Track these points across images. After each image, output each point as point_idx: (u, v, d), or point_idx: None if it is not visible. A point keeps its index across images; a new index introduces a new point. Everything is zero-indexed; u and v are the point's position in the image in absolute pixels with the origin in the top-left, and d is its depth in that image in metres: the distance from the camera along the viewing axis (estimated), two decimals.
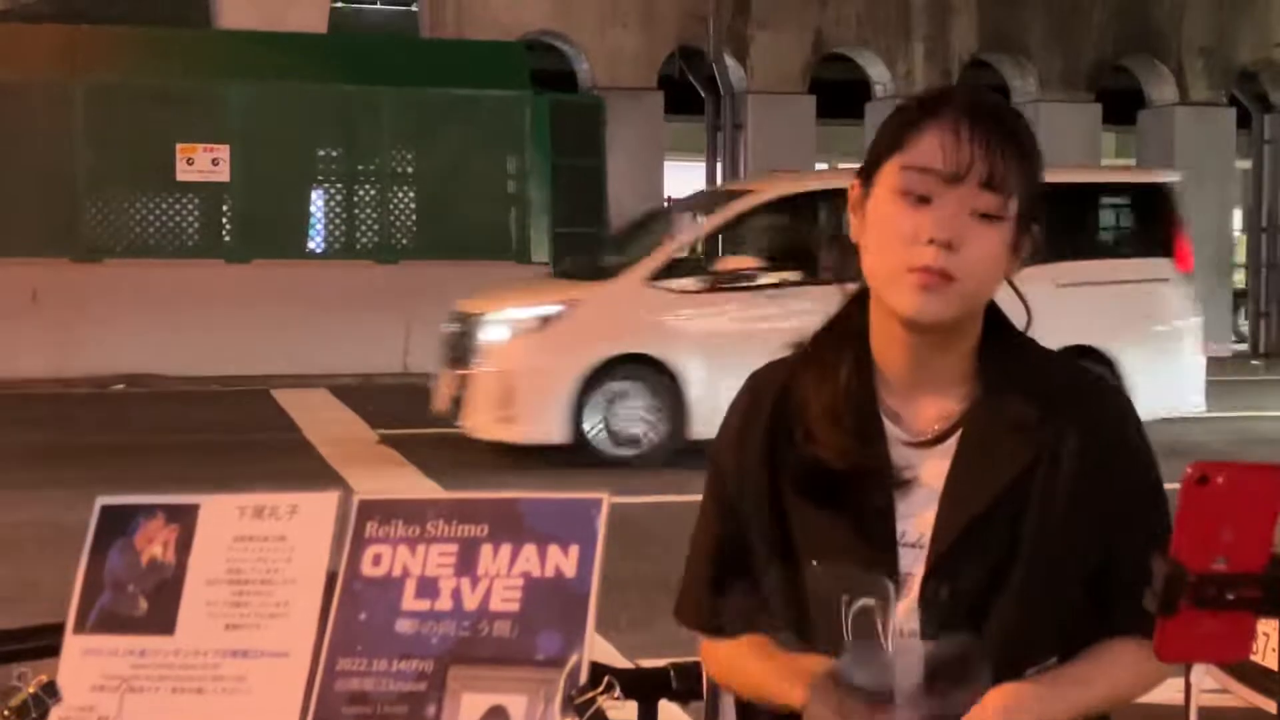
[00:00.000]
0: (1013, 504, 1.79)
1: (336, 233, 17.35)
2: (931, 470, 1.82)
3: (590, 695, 1.63)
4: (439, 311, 16.73)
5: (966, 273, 1.76)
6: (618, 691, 1.65)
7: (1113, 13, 20.64)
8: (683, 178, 21.60)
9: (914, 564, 1.80)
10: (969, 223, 1.77)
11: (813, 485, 1.84)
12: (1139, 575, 1.66)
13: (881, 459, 1.82)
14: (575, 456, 10.49)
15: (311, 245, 17.35)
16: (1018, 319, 1.93)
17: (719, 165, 20.41)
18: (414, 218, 17.43)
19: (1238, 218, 22.83)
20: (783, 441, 1.86)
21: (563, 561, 1.69)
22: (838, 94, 19.86)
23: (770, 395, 1.89)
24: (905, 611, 1.79)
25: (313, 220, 17.43)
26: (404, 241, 17.32)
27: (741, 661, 1.90)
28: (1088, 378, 1.91)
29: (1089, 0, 20.50)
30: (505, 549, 1.71)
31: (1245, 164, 22.90)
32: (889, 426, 1.84)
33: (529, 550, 1.70)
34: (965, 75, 20.49)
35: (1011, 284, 1.88)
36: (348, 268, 16.93)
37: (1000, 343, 1.87)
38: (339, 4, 19.63)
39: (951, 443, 1.83)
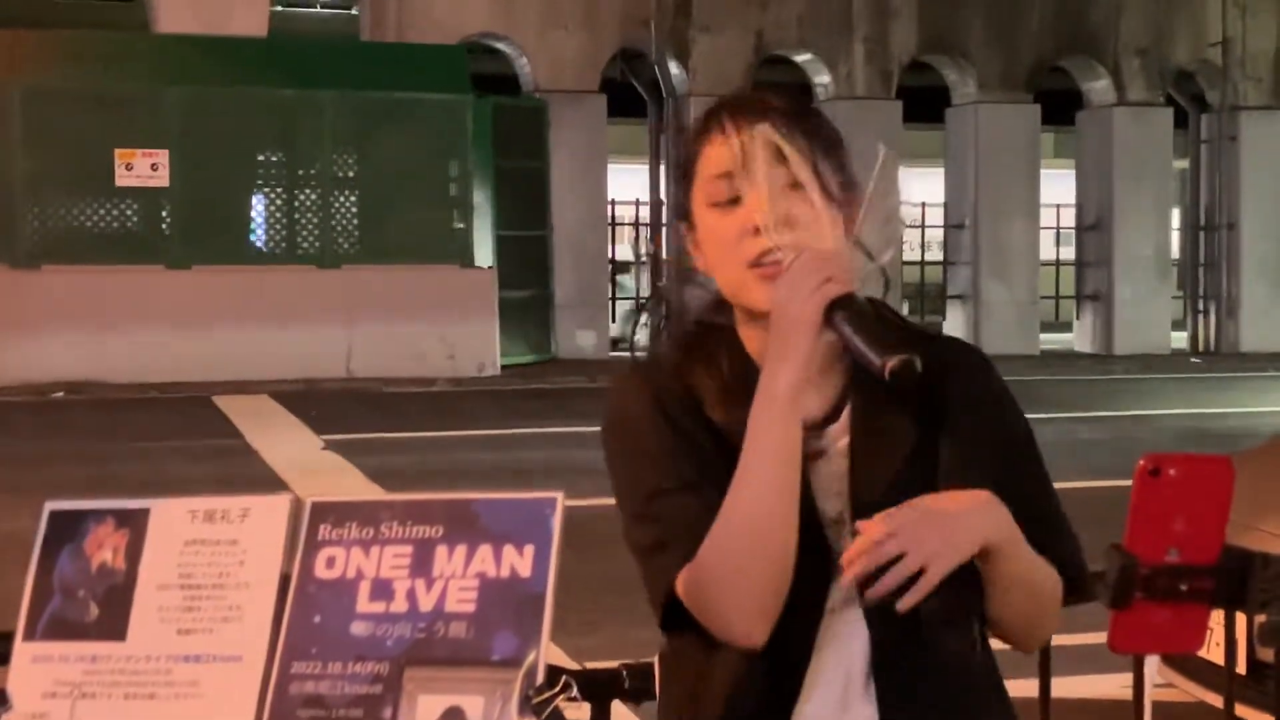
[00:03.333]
0: (916, 467, 1.85)
1: (278, 237, 17.25)
2: (830, 449, 1.88)
3: (547, 695, 1.63)
4: (382, 316, 16.73)
5: (796, 246, 1.80)
6: (575, 691, 1.64)
7: (1051, 14, 20.80)
8: (626, 181, 21.63)
9: (837, 540, 1.84)
10: (781, 200, 1.82)
11: (730, 474, 1.83)
12: (1035, 515, 1.82)
13: None
14: None
15: (253, 250, 17.23)
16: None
17: (662, 168, 20.43)
18: (356, 222, 17.35)
19: (1175, 217, 23.07)
20: (703, 439, 1.88)
21: (518, 561, 1.68)
22: None
23: (667, 392, 1.91)
24: (842, 586, 1.82)
25: (254, 225, 17.32)
26: (346, 246, 17.24)
27: (708, 544, 1.79)
28: (954, 341, 2.00)
29: (1028, 2, 20.66)
30: (460, 550, 1.70)
31: (1182, 164, 23.15)
32: None
33: (484, 551, 1.69)
34: (905, 77, 20.60)
35: (861, 246, 1.89)
36: (289, 273, 16.83)
37: None
38: (278, 7, 19.51)
39: (842, 421, 1.88)
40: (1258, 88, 21.61)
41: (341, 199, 17.33)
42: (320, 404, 14.46)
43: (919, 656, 1.82)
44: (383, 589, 1.70)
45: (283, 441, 12.14)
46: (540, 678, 1.62)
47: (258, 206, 17.35)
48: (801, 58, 20.40)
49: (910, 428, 1.86)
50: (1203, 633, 1.49)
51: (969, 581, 1.81)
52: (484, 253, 17.57)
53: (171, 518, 1.79)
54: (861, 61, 20.27)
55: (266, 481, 9.97)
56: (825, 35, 20.12)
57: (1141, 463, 1.45)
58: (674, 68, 19.72)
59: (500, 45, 19.49)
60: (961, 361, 1.95)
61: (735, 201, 1.85)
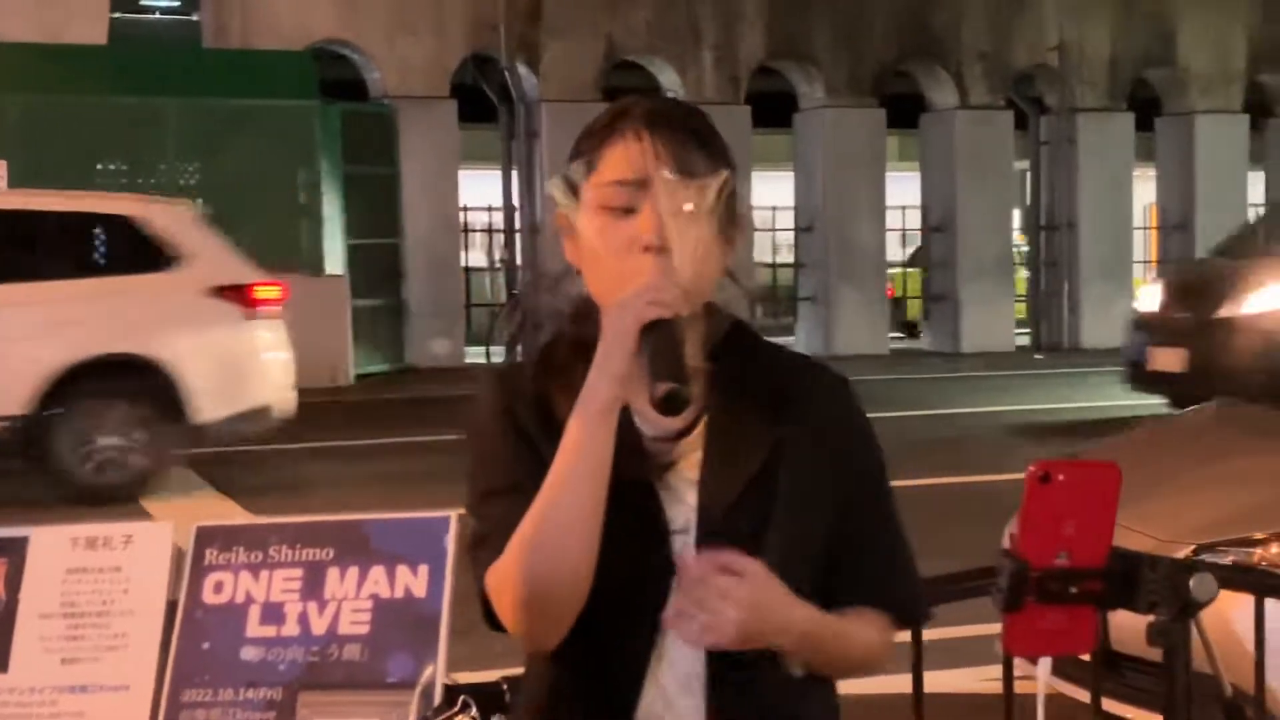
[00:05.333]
0: (762, 486, 1.88)
1: None
2: (683, 461, 1.90)
3: (445, 716, 1.62)
4: None
5: (683, 271, 1.82)
6: (474, 711, 1.64)
7: (895, 20, 21.14)
8: (479, 187, 21.54)
9: (684, 549, 1.87)
10: (677, 221, 1.83)
11: None
12: (875, 550, 1.91)
13: (637, 453, 1.88)
14: None
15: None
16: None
17: (514, 174, 20.37)
18: None
19: (1016, 217, 23.58)
20: (543, 444, 1.89)
21: (412, 582, 1.67)
22: None
23: (520, 399, 1.93)
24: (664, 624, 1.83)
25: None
26: None
27: (509, 545, 1.81)
28: (815, 366, 2.02)
29: (872, 8, 20.97)
30: (352, 571, 1.69)
31: (1023, 165, 23.68)
32: (637, 423, 1.90)
33: (377, 572, 1.68)
34: (754, 82, 20.80)
35: (731, 274, 1.95)
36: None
37: (729, 337, 1.95)
38: (118, 14, 19.11)
39: (697, 434, 1.91)
40: (1094, 91, 22.18)
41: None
42: None
43: (751, 670, 1.86)
44: (273, 613, 1.68)
45: None
46: (438, 698, 1.61)
47: None
48: (651, 63, 20.50)
49: (761, 445, 1.90)
50: (1093, 634, 1.52)
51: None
52: (334, 261, 17.38)
53: (52, 545, 1.75)
54: (710, 67, 20.41)
55: (115, 499, 9.75)
56: (674, 40, 20.23)
57: (1031, 469, 1.48)
58: (525, 73, 19.69)
59: (347, 51, 19.30)
60: (819, 387, 1.98)
61: (630, 211, 1.85)
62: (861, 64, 21.02)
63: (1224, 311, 12.41)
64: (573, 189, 1.91)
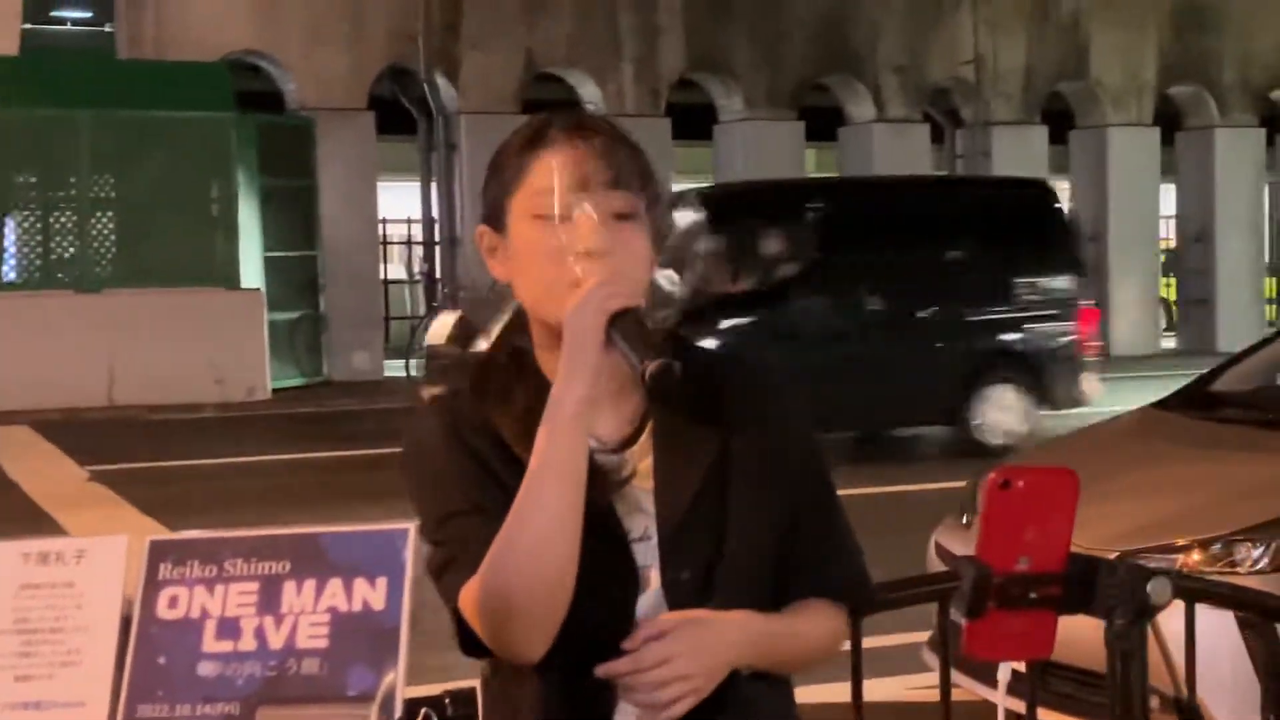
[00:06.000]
0: (714, 485, 1.90)
1: (33, 262, 16.66)
2: (633, 469, 1.91)
3: None
4: (145, 341, 16.27)
5: (620, 276, 1.83)
6: None
7: (813, 34, 21.29)
8: (398, 199, 21.44)
9: (647, 557, 1.88)
10: (611, 226, 1.84)
11: None
12: (821, 540, 1.93)
13: (589, 467, 1.84)
14: None
15: (6, 275, 16.62)
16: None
17: (434, 186, 20.30)
18: (115, 245, 16.86)
19: None
20: (496, 464, 1.88)
21: (370, 595, 1.66)
22: None
23: (465, 421, 1.92)
24: (651, 602, 1.87)
25: (7, 249, 16.70)
26: (105, 269, 16.74)
27: (488, 559, 1.81)
28: (748, 362, 2.05)
29: (791, 22, 21.10)
30: (309, 584, 1.68)
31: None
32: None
33: (334, 585, 1.67)
34: (674, 95, 20.87)
35: (656, 285, 1.98)
36: (46, 298, 16.27)
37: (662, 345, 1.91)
38: (30, 25, 18.85)
39: (643, 441, 1.92)
40: (1008, 104, 22.45)
41: (100, 221, 16.82)
42: (83, 433, 14.00)
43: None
44: (230, 627, 1.67)
45: (45, 473, 11.74)
46: (398, 711, 1.61)
47: (10, 230, 16.73)
48: (571, 75, 20.51)
49: (708, 445, 1.91)
50: (1052, 638, 1.54)
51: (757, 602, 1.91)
52: (251, 273, 17.23)
53: (3, 560, 1.72)
54: (630, 79, 20.45)
55: (31, 516, 9.61)
56: (594, 53, 20.25)
57: (992, 476, 1.50)
58: (444, 85, 19.62)
59: (263, 63, 19.15)
60: (755, 381, 2.00)
61: (562, 218, 1.84)
62: (780, 77, 21.15)
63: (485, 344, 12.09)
64: (496, 211, 1.92)
